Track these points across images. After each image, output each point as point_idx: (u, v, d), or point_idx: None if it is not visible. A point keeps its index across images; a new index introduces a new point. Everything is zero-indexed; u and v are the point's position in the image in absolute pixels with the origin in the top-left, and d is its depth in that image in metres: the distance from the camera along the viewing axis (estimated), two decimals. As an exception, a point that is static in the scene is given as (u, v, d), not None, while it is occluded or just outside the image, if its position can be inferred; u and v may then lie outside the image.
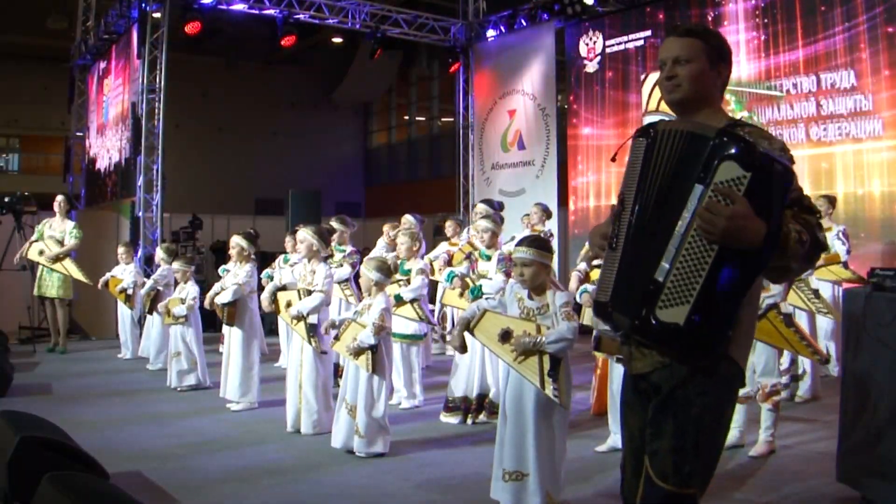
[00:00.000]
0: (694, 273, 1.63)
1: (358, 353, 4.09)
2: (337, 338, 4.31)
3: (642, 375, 1.87)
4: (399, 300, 5.23)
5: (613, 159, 2.04)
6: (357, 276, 6.00)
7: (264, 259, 8.53)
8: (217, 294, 5.42)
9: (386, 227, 7.26)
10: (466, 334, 3.41)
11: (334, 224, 6.28)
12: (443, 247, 6.76)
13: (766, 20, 7.88)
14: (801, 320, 5.31)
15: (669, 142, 1.74)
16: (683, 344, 1.68)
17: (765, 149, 1.64)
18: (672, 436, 1.74)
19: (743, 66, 7.99)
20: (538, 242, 3.39)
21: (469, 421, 4.86)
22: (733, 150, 1.62)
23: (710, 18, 8.30)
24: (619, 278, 1.77)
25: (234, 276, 5.44)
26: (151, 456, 4.14)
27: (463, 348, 3.56)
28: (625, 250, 1.77)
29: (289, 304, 4.81)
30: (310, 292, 4.69)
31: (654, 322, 1.67)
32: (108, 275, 7.63)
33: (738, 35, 8.05)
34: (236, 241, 5.50)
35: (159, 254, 7.23)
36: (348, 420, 4.17)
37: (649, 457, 1.77)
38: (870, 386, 3.24)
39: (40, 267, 7.79)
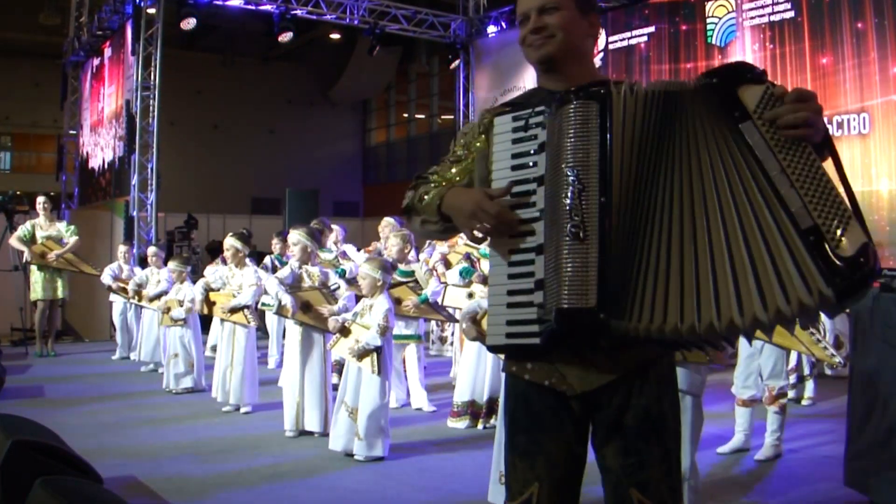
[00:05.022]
0: (823, 190, 1.37)
1: (362, 355, 4.02)
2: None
3: (583, 394, 1.61)
4: (425, 302, 5.26)
5: None
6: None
7: (260, 259, 8.47)
8: (217, 290, 5.46)
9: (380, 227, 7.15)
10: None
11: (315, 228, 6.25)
12: (441, 247, 6.67)
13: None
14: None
15: (642, 105, 1.49)
16: (868, 275, 1.35)
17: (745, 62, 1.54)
18: (661, 460, 1.63)
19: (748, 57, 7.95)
20: None
21: (480, 425, 4.77)
22: (744, 76, 1.46)
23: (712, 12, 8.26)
24: (607, 277, 1.45)
25: (240, 278, 5.38)
26: (146, 459, 4.08)
27: (482, 336, 3.47)
28: (605, 242, 1.45)
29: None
30: (329, 294, 4.74)
31: (841, 263, 1.33)
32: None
33: (743, 26, 8.00)
34: (230, 244, 5.43)
35: (153, 252, 7.15)
36: (348, 422, 4.10)
37: (638, 488, 1.61)
38: (878, 388, 3.20)
39: (35, 269, 7.66)
